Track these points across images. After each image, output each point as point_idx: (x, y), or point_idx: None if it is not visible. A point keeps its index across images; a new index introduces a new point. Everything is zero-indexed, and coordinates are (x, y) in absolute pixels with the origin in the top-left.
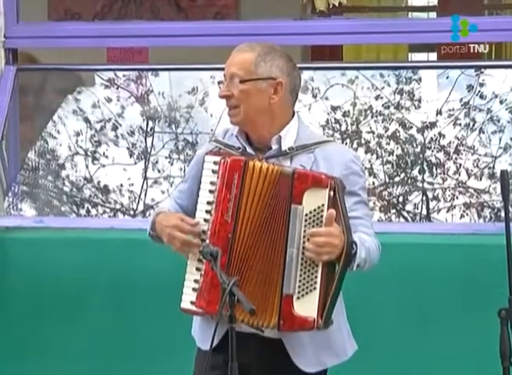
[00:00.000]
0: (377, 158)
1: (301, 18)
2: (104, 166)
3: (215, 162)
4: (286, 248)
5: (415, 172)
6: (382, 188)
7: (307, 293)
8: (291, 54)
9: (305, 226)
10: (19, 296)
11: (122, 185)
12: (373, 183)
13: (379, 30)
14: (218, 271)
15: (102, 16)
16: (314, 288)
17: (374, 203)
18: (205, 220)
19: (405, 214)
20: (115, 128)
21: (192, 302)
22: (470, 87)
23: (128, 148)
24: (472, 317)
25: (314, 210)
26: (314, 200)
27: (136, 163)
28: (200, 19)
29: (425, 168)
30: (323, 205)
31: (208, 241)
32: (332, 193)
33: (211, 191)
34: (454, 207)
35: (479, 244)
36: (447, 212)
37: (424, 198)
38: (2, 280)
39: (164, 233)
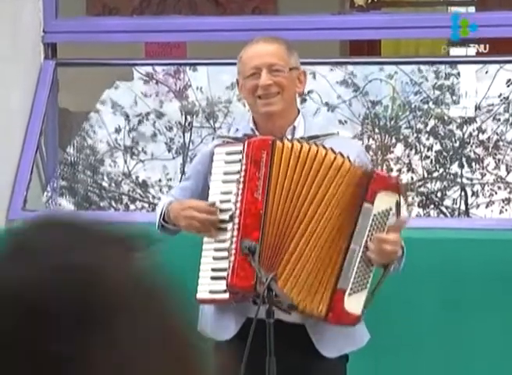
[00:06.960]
0: (416, 153)
1: (340, 12)
2: (142, 161)
3: (227, 153)
4: (349, 243)
5: (454, 167)
6: (420, 183)
7: (358, 291)
8: (329, 48)
9: (371, 225)
10: None
11: (160, 180)
12: (412, 178)
13: (418, 24)
14: (257, 266)
15: (140, 11)
16: (366, 287)
17: (413, 198)
18: (221, 210)
19: (444, 209)
20: (153, 123)
21: (211, 291)
22: (509, 82)
23: (166, 143)
24: (510, 312)
25: (382, 212)
26: (383, 202)
27: (174, 158)
28: (239, 14)
29: (464, 163)
30: (391, 209)
31: (231, 224)
32: (399, 198)
33: (224, 181)
34: (493, 202)
35: None
36: (486, 207)
37: (462, 193)
38: None
39: (180, 217)
